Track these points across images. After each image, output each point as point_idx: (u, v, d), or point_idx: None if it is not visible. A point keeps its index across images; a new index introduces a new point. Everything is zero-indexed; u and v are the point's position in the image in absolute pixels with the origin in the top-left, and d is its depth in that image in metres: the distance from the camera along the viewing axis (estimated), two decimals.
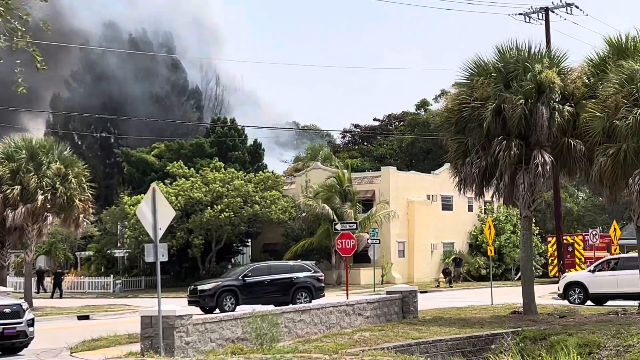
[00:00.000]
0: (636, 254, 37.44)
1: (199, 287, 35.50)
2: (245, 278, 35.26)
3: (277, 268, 37.04)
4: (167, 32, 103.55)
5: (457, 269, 58.88)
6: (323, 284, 37.42)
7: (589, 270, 36.77)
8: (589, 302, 35.04)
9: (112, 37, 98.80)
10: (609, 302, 34.63)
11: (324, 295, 36.53)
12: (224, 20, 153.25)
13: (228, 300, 34.54)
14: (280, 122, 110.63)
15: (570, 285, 36.27)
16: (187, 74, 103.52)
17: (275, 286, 35.66)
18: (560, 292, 36.78)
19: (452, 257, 60.29)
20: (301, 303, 34.49)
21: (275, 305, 32.65)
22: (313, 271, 36.93)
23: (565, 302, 35.18)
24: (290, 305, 29.08)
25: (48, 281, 61.45)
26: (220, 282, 35.48)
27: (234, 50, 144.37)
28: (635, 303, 30.42)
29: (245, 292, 34.97)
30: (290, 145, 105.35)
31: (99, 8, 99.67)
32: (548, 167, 26.35)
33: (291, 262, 39.22)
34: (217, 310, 33.60)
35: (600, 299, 35.08)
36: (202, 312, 33.65)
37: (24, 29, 8.57)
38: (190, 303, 35.56)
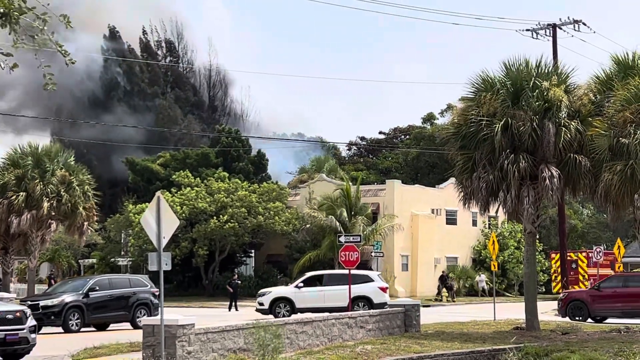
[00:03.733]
0: (340, 271, 38.31)
1: (41, 303, 30.63)
2: (90, 293, 31.58)
3: (117, 282, 33.79)
4: (172, 42, 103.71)
5: (442, 286, 58.28)
6: (157, 301, 34.81)
7: (296, 286, 38.11)
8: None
9: (116, 47, 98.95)
10: (609, 321, 34.71)
11: (158, 313, 34.04)
12: (230, 30, 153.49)
13: (74, 318, 30.76)
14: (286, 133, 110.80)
15: (277, 301, 37.41)
16: (192, 84, 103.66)
17: (117, 302, 32.45)
18: (266, 307, 37.12)
19: (440, 276, 59.79)
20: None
21: (116, 323, 31.19)
22: (150, 286, 34.01)
23: (274, 316, 35.83)
24: (292, 317, 28.65)
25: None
26: (64, 297, 31.05)
27: (240, 61, 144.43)
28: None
29: (90, 309, 31.44)
30: (295, 157, 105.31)
31: (103, 17, 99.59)
32: (556, 180, 26.32)
33: (128, 276, 36.42)
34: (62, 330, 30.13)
35: (305, 311, 35.13)
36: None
37: (44, 25, 8.48)
38: None
